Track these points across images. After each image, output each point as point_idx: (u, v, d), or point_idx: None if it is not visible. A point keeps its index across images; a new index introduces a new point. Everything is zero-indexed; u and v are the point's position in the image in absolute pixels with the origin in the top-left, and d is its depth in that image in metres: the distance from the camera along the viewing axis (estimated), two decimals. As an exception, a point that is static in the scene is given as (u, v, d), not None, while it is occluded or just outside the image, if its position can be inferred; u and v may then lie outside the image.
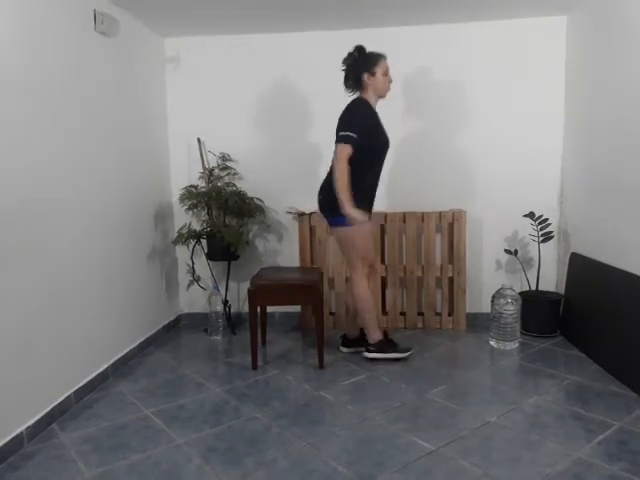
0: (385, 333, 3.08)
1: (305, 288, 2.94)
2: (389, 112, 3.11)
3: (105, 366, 2.88)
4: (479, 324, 3.65)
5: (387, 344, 3.04)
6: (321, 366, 2.96)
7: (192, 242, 3.58)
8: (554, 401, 2.51)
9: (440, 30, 3.58)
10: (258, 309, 3.04)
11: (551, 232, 3.45)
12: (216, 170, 3.71)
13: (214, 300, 3.60)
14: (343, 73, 2.93)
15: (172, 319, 3.85)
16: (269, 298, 3.03)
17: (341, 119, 2.86)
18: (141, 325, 3.36)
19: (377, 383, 2.77)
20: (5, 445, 2.08)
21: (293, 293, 2.98)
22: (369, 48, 2.88)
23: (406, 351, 3.03)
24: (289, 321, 3.87)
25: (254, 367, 2.98)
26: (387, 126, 2.97)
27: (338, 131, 2.83)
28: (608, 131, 2.97)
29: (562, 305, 3.46)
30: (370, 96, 2.90)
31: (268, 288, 2.97)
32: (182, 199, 3.63)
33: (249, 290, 2.97)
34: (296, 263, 3.74)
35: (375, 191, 3.02)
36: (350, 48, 2.89)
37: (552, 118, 3.58)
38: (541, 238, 3.45)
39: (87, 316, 2.72)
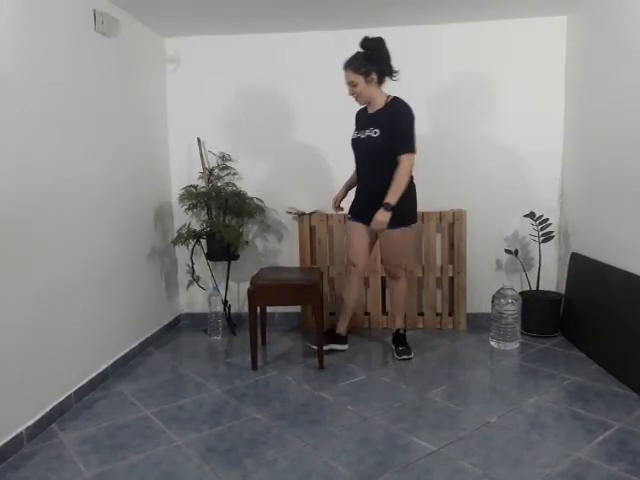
0: (331, 328, 3.28)
1: (305, 288, 2.94)
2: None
3: (105, 366, 2.88)
4: (479, 324, 3.65)
5: (330, 336, 3.20)
6: (321, 366, 2.96)
7: (192, 242, 3.58)
8: (554, 401, 2.51)
9: (439, 30, 3.57)
10: (258, 309, 3.04)
11: (551, 232, 3.44)
12: (216, 170, 3.71)
13: (214, 300, 3.59)
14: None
15: (172, 319, 3.84)
16: (269, 298, 3.03)
17: None
18: (141, 325, 3.36)
19: (377, 383, 2.77)
20: (5, 445, 2.08)
21: (293, 293, 2.98)
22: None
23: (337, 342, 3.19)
24: (289, 321, 3.86)
25: (254, 367, 2.98)
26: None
27: None
28: (608, 131, 2.97)
29: (562, 305, 3.46)
30: None
31: (268, 288, 2.97)
32: (182, 199, 3.63)
33: (249, 290, 2.97)
34: (296, 263, 3.73)
35: (362, 197, 3.06)
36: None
37: (552, 118, 3.58)
38: (541, 238, 3.45)
39: (87, 316, 2.72)
